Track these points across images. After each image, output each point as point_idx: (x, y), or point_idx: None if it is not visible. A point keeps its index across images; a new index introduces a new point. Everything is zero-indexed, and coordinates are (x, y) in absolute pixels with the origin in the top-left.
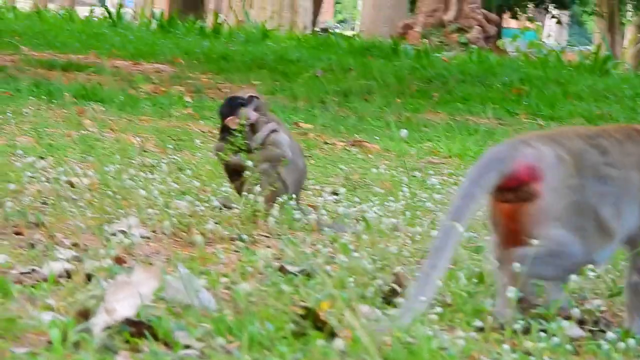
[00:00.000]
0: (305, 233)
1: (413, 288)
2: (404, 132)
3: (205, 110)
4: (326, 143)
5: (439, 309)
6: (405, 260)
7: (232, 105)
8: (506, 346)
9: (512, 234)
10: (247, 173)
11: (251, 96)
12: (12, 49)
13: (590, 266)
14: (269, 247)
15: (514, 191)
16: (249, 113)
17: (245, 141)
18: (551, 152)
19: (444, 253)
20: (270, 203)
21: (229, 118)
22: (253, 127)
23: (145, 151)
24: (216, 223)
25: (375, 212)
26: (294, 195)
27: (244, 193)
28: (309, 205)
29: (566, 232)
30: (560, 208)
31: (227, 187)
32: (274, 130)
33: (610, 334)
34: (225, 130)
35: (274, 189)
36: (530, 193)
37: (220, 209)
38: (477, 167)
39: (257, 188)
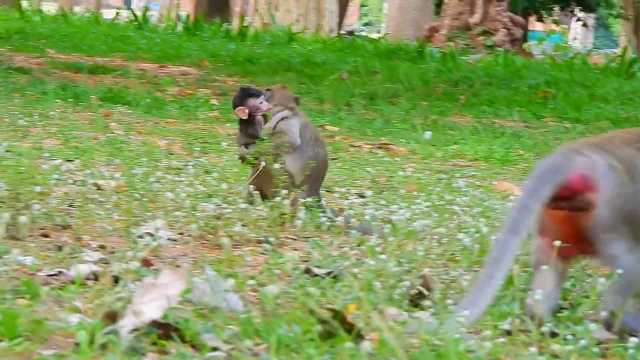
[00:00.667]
0: (332, 235)
1: (467, 297)
2: (427, 134)
3: (232, 113)
4: (352, 146)
5: (465, 312)
6: (432, 262)
7: (242, 96)
8: (533, 349)
9: (564, 239)
10: (262, 165)
11: (267, 89)
12: (39, 52)
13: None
14: (295, 249)
15: (567, 200)
16: (258, 102)
17: (257, 132)
18: (603, 161)
19: (501, 264)
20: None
21: (238, 108)
22: (266, 118)
23: (171, 154)
24: (243, 225)
25: (402, 215)
26: (303, 187)
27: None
28: (338, 209)
29: (624, 242)
30: (616, 218)
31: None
32: (283, 118)
33: (637, 338)
34: (241, 122)
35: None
36: (585, 202)
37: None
38: (533, 180)
39: (283, 190)
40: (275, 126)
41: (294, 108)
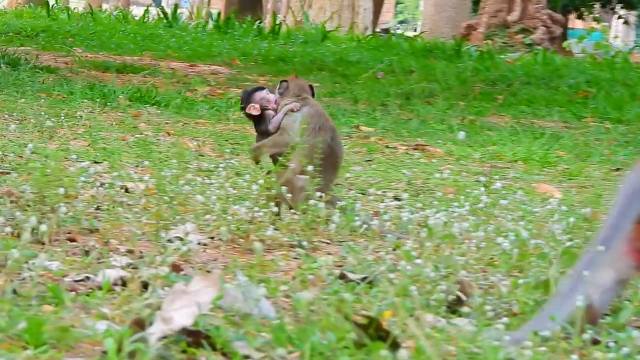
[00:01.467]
0: (367, 240)
1: (548, 306)
2: (461, 134)
3: None
4: (387, 147)
5: (505, 319)
6: (470, 267)
7: (248, 94)
8: (574, 356)
9: None
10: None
11: (282, 80)
12: (66, 51)
13: None
14: (329, 254)
15: None
16: (265, 95)
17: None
18: None
19: (590, 276)
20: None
21: (248, 106)
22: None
23: (202, 155)
24: (275, 229)
25: (439, 218)
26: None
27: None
28: (373, 212)
29: None
30: None
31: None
32: (288, 112)
33: None
34: (255, 123)
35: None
36: None
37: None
38: (623, 197)
39: (318, 193)
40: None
41: (307, 98)
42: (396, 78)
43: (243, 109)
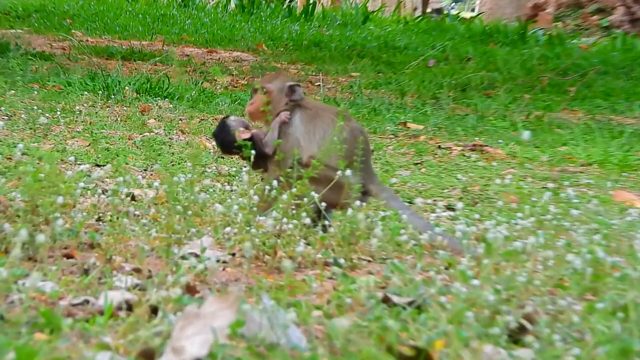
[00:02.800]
0: (414, 257)
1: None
2: (526, 134)
3: None
4: (440, 147)
5: (576, 350)
6: (536, 289)
7: (220, 126)
8: None
9: None
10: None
11: (254, 88)
12: (63, 34)
13: None
14: (371, 273)
15: None
16: (234, 120)
17: (265, 148)
18: None
19: None
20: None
21: (236, 133)
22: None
23: (221, 157)
24: (307, 244)
25: (499, 232)
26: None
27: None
28: None
29: None
30: None
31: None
32: (282, 123)
33: None
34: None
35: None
36: None
37: (310, 226)
38: None
39: (357, 202)
40: (279, 134)
41: (297, 101)
42: (450, 67)
43: (228, 145)
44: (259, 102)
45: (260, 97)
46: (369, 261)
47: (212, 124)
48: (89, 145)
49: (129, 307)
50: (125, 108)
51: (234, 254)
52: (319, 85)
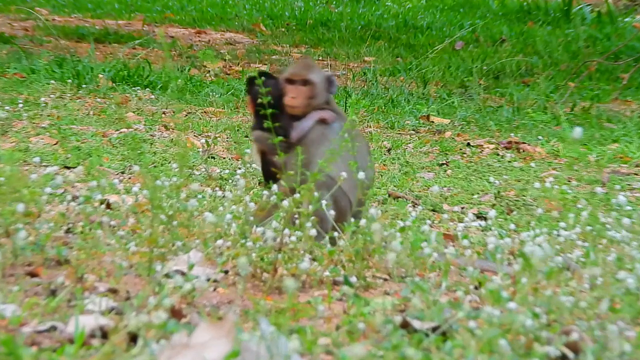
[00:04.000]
0: (439, 274)
1: None
2: (577, 131)
3: None
4: (469, 145)
5: None
6: (581, 313)
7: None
8: None
9: None
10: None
11: (288, 77)
12: (25, 13)
13: None
14: (387, 293)
15: None
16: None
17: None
18: None
19: None
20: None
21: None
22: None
23: (212, 157)
24: (313, 260)
25: (539, 244)
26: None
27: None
28: (444, 235)
29: None
30: None
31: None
32: (321, 121)
33: None
34: (259, 115)
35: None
36: None
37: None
38: None
39: (373, 210)
40: (307, 133)
41: (339, 109)
42: (481, 50)
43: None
44: (303, 95)
45: (302, 90)
46: (385, 279)
47: (201, 118)
48: (56, 143)
49: (104, 335)
50: (98, 99)
51: (226, 272)
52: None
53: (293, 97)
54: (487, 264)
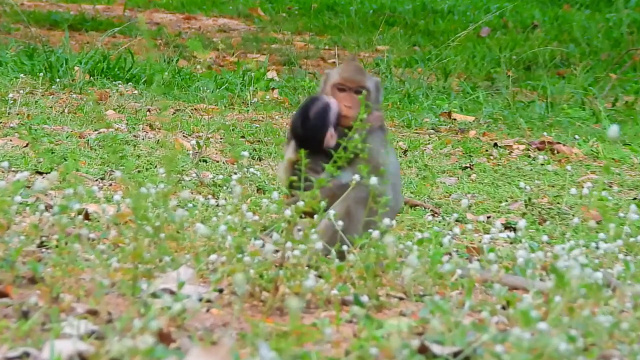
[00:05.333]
0: (461, 292)
1: None
2: (613, 129)
3: (301, 94)
4: (496, 145)
5: None
6: (623, 336)
7: (322, 108)
8: None
9: None
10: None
11: (358, 86)
12: None
13: None
14: (403, 314)
15: None
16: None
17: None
18: None
19: None
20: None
21: (328, 133)
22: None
23: (204, 161)
24: (319, 276)
25: (575, 259)
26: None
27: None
28: (468, 248)
29: None
30: None
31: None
32: (370, 132)
33: None
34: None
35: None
36: None
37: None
38: None
39: (387, 220)
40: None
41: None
42: (510, 37)
43: (314, 138)
44: (359, 104)
45: (357, 98)
46: (400, 299)
47: (190, 116)
48: (26, 145)
49: None
50: (74, 95)
51: (221, 290)
52: (334, 62)
53: (348, 107)
54: (517, 281)
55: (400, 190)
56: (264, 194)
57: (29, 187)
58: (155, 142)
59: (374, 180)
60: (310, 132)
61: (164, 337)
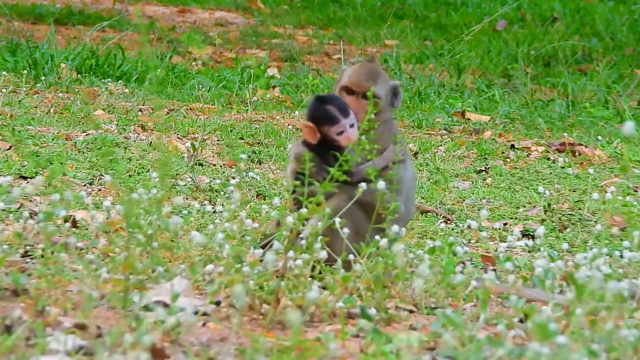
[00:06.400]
0: (475, 305)
1: None
2: (628, 126)
3: (304, 92)
4: (513, 147)
5: None
6: None
7: (315, 109)
8: None
9: None
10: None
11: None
12: None
13: None
14: (413, 328)
15: None
16: (338, 129)
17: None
18: None
19: None
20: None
21: (305, 123)
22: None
23: (200, 164)
24: (323, 288)
25: (597, 268)
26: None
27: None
28: (483, 258)
29: None
30: None
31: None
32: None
33: None
34: (324, 147)
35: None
36: None
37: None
38: None
39: (395, 227)
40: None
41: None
42: (528, 30)
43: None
44: (365, 110)
45: (364, 104)
46: (410, 311)
47: (185, 116)
48: (9, 148)
49: None
50: (60, 95)
51: (218, 303)
52: (339, 58)
53: (354, 112)
54: (535, 292)
55: (413, 199)
56: (264, 199)
57: (11, 192)
58: (148, 144)
59: (381, 185)
60: (331, 106)
61: (157, 353)
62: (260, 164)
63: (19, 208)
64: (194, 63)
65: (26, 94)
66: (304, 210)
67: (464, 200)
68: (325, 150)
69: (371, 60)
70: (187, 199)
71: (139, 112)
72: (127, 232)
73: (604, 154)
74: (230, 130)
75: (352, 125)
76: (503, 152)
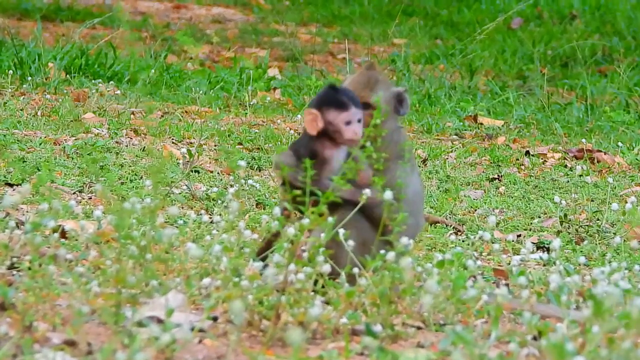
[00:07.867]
0: (486, 321)
1: None
2: None
3: (307, 95)
4: (528, 154)
5: None
6: None
7: (323, 97)
8: None
9: None
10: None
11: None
12: None
13: None
14: (421, 346)
15: None
16: (345, 118)
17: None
18: None
19: None
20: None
21: (309, 110)
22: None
23: (196, 171)
24: (326, 303)
25: (616, 283)
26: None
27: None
28: (495, 271)
29: None
30: None
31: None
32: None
33: None
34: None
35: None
36: None
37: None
38: None
39: (405, 239)
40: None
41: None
42: (545, 29)
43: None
44: (364, 122)
45: (364, 114)
46: (418, 328)
47: (180, 120)
48: None
49: None
50: (48, 96)
51: (215, 319)
52: (344, 58)
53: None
54: (549, 308)
55: (422, 210)
56: (264, 209)
57: None
58: (141, 149)
59: (388, 194)
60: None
61: None
62: (260, 170)
63: (5, 217)
64: (189, 63)
65: (12, 96)
66: (305, 221)
67: (475, 210)
68: (319, 145)
69: (370, 67)
70: (182, 208)
71: (132, 115)
72: (119, 244)
73: (625, 161)
74: (228, 135)
75: (359, 120)
76: (517, 159)
